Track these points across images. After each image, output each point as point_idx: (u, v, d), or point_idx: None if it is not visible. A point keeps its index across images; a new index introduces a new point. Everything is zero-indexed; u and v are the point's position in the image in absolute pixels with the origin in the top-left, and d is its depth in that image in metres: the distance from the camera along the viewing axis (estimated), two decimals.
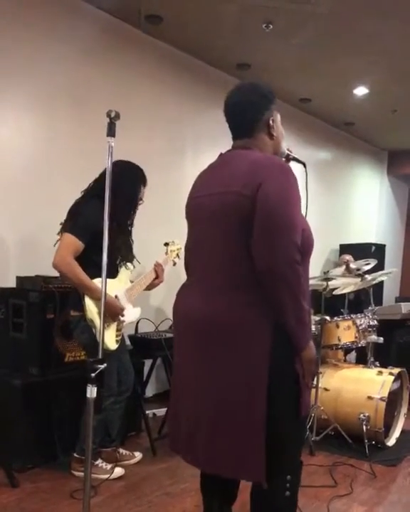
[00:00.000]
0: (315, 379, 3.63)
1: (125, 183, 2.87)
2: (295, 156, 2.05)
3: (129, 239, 3.03)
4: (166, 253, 3.31)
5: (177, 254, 3.33)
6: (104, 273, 1.88)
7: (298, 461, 1.84)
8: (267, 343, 1.66)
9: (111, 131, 1.87)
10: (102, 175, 2.88)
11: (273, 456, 1.71)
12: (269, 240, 1.62)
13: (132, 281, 3.09)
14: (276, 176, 1.68)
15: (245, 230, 1.66)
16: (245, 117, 1.84)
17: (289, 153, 2.02)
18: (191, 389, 1.81)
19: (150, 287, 3.20)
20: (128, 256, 3.01)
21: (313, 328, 3.91)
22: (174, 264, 3.33)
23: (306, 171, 2.05)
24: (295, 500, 1.84)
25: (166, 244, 3.33)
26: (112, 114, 1.86)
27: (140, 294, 3.14)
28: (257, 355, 1.67)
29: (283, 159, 1.99)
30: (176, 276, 3.75)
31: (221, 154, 1.90)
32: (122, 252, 2.97)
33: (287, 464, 1.77)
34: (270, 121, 1.83)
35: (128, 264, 3.03)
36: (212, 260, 1.78)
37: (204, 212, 1.81)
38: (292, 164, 2.03)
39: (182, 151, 4.74)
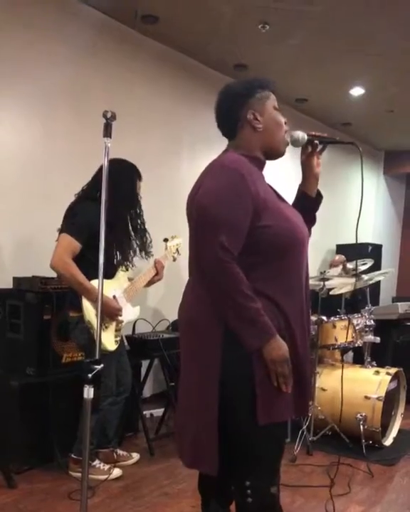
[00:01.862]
0: (312, 379, 3.63)
1: (121, 182, 2.87)
2: (326, 138, 1.92)
3: (144, 236, 3.03)
4: (166, 249, 3.31)
5: (177, 250, 3.32)
6: (100, 273, 1.88)
7: (266, 469, 1.73)
8: (220, 338, 1.65)
9: (107, 132, 1.86)
10: (97, 175, 2.88)
11: (231, 457, 1.73)
12: (195, 241, 1.66)
13: (130, 280, 3.09)
14: (212, 176, 1.69)
15: None
16: (224, 123, 1.85)
17: (312, 137, 1.89)
18: (180, 382, 1.88)
19: (149, 284, 3.20)
20: (127, 256, 3.01)
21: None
22: (174, 259, 3.32)
23: (360, 151, 1.93)
24: (266, 509, 1.72)
25: (166, 239, 3.32)
26: (109, 115, 1.85)
27: (139, 292, 3.14)
28: (209, 353, 1.67)
29: (308, 147, 1.91)
30: (175, 275, 3.75)
31: None
32: (121, 252, 2.97)
33: (244, 469, 1.72)
34: (249, 116, 1.77)
35: (127, 263, 3.03)
36: (189, 262, 1.84)
37: None
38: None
39: (178, 152, 4.73)
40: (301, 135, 1.87)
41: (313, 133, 1.91)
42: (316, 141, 1.91)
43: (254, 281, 1.64)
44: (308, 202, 1.97)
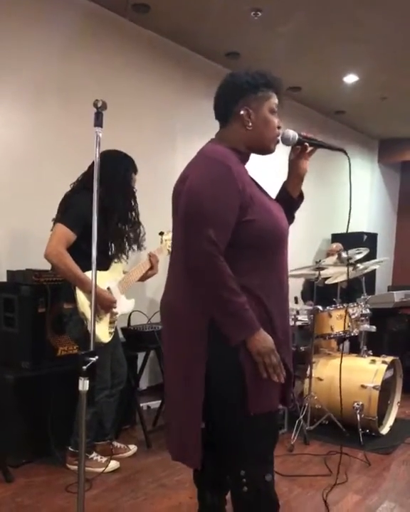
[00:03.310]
0: (309, 368, 3.63)
1: (117, 174, 2.86)
2: (317, 142, 1.92)
3: (138, 228, 3.01)
4: (161, 242, 3.29)
5: None
6: (94, 265, 1.87)
7: (256, 457, 1.75)
8: (205, 332, 1.66)
9: (98, 121, 1.86)
10: (91, 166, 2.85)
11: (224, 449, 1.76)
12: (183, 233, 1.65)
13: (125, 272, 3.07)
14: (199, 169, 1.69)
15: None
16: (219, 109, 1.84)
17: (302, 138, 1.88)
18: (165, 378, 1.90)
19: (144, 278, 3.18)
20: (122, 248, 2.99)
21: (305, 317, 3.91)
22: (169, 253, 3.30)
23: (348, 157, 1.94)
24: (260, 496, 1.75)
25: (161, 233, 3.31)
26: (99, 104, 1.84)
27: (133, 285, 3.12)
28: (195, 343, 1.68)
29: (297, 146, 1.91)
30: None
31: None
32: (116, 244, 2.95)
33: (237, 459, 1.75)
34: (242, 112, 1.77)
35: (121, 255, 3.01)
36: (172, 254, 1.85)
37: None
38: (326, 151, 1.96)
39: (172, 141, 4.70)
40: (292, 134, 1.87)
41: (304, 134, 1.91)
42: (306, 143, 1.91)
43: (237, 275, 1.63)
44: (289, 201, 1.96)
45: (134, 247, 3.02)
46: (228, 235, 1.63)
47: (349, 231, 7.33)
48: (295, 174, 1.96)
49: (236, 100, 1.78)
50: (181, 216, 1.66)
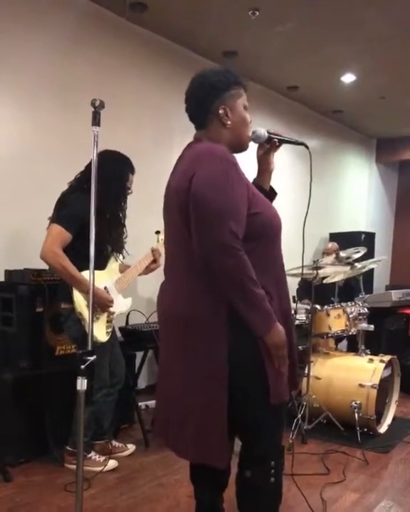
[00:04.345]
0: (307, 367, 3.64)
1: (114, 174, 2.85)
2: (284, 138, 1.98)
3: (122, 229, 3.00)
4: (158, 241, 3.29)
5: None
6: (91, 264, 1.87)
7: (279, 447, 1.85)
8: (223, 330, 1.67)
9: (96, 121, 1.86)
10: (89, 166, 2.85)
11: (250, 443, 1.80)
12: (200, 228, 1.64)
13: (124, 269, 3.07)
14: (206, 164, 1.69)
15: (188, 221, 1.69)
16: (195, 112, 1.87)
17: (272, 135, 1.95)
18: (165, 378, 1.88)
19: (147, 271, 3.17)
20: (118, 247, 2.99)
21: (303, 317, 3.92)
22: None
23: (309, 151, 1.99)
24: (280, 486, 1.86)
25: (158, 232, 3.30)
26: (97, 104, 1.85)
27: (132, 284, 3.12)
28: (214, 342, 1.69)
29: (266, 144, 1.96)
30: None
31: (187, 145, 1.90)
32: (112, 243, 2.95)
33: (267, 450, 1.80)
34: (220, 111, 1.80)
35: (117, 254, 3.01)
36: (173, 253, 1.85)
37: (166, 205, 1.87)
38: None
39: (170, 140, 4.69)
40: (262, 132, 1.94)
41: (272, 131, 1.97)
42: (275, 140, 1.97)
43: None
44: (267, 196, 1.98)
45: (115, 248, 3.01)
46: (244, 228, 1.66)
47: (348, 230, 7.31)
48: (265, 169, 2.02)
49: (213, 100, 1.81)
50: (195, 212, 1.65)
